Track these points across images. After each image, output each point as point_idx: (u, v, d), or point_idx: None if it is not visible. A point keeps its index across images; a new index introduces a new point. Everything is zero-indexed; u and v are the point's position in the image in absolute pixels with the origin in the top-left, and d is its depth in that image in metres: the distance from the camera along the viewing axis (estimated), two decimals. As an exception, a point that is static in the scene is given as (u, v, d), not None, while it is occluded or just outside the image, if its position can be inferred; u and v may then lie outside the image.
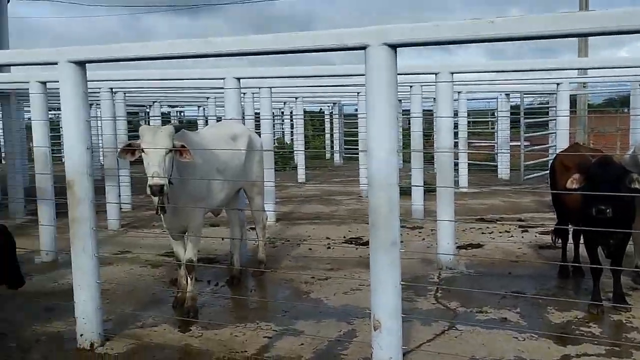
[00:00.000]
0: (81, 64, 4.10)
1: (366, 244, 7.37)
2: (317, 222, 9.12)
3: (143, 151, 4.37)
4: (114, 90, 8.76)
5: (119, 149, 4.71)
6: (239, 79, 6.44)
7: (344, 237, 7.86)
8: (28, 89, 6.83)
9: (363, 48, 3.30)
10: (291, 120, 19.89)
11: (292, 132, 20.28)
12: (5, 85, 8.88)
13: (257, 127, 9.07)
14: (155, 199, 4.48)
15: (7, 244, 4.17)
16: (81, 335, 4.24)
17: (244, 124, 6.75)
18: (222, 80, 6.43)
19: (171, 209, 4.68)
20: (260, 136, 6.89)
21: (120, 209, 9.24)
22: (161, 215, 4.76)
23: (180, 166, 4.59)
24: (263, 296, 5.62)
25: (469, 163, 13.10)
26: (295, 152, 15.85)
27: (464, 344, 4.20)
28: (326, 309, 5.05)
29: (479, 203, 10.61)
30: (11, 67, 7.59)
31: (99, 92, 8.68)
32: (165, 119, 17.50)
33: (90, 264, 4.20)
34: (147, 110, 15.27)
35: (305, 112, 20.04)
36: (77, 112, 4.11)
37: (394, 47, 3.28)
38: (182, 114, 22.06)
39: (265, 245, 6.26)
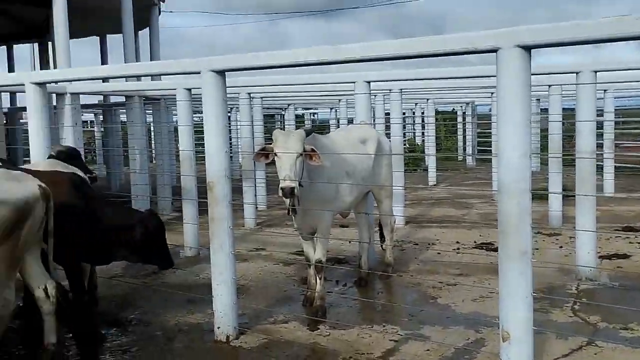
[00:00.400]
0: (221, 73, 4.37)
1: (497, 249, 7.16)
2: (446, 225, 8.96)
3: (276, 155, 4.56)
4: (251, 95, 9.20)
5: (254, 153, 4.94)
6: (369, 82, 6.50)
7: (475, 242, 7.65)
8: (175, 95, 7.42)
9: (494, 51, 3.20)
10: (422, 121, 19.65)
11: (423, 133, 20.05)
12: (156, 91, 9.66)
13: (388, 128, 9.09)
14: (287, 201, 4.65)
15: (159, 227, 4.53)
16: (218, 327, 4.52)
17: (374, 126, 6.80)
18: (353, 84, 6.54)
19: (301, 210, 4.84)
20: (389, 138, 6.88)
21: (256, 208, 9.68)
22: (292, 216, 4.95)
23: (310, 169, 4.73)
24: (390, 299, 5.64)
25: (616, 166, 12.16)
26: (426, 154, 15.63)
27: (603, 362, 3.95)
28: (454, 315, 4.97)
29: (626, 210, 9.81)
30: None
31: (237, 97, 9.18)
32: (299, 121, 18.07)
33: (227, 260, 4.46)
34: (283, 113, 15.83)
35: (437, 112, 19.74)
36: (217, 118, 4.39)
37: (527, 48, 3.15)
38: (315, 116, 22.61)
39: (393, 248, 6.27)
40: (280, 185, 4.49)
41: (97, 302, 5.21)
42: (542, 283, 5.77)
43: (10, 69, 17.59)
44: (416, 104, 18.34)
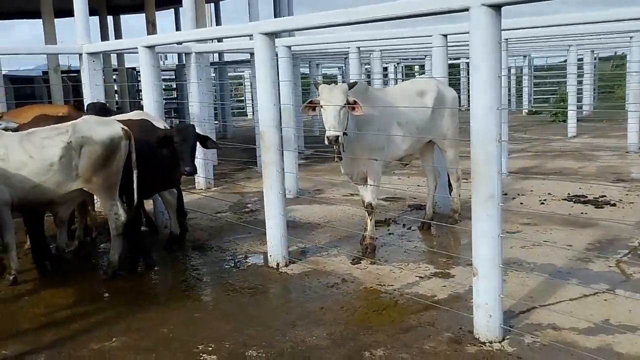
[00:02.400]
0: (270, 35, 5.00)
1: (588, 202, 7.06)
2: (552, 177, 8.79)
3: (321, 107, 5.09)
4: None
5: (303, 106, 5.34)
6: (445, 35, 6.67)
7: (568, 194, 7.54)
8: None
9: (466, 9, 3.46)
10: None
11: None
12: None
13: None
14: (334, 148, 5.16)
15: (194, 135, 5.48)
16: (270, 256, 5.30)
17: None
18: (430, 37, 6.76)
19: (348, 157, 5.33)
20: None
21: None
22: (339, 162, 5.45)
23: (358, 119, 5.18)
24: (441, 243, 5.99)
25: None
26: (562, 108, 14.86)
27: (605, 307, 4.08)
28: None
29: None
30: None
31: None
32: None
33: (276, 199, 5.19)
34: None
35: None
36: (266, 76, 5.07)
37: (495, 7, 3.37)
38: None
39: (459, 196, 6.53)
40: (325, 134, 5.01)
41: (186, 229, 6.28)
42: (608, 235, 5.76)
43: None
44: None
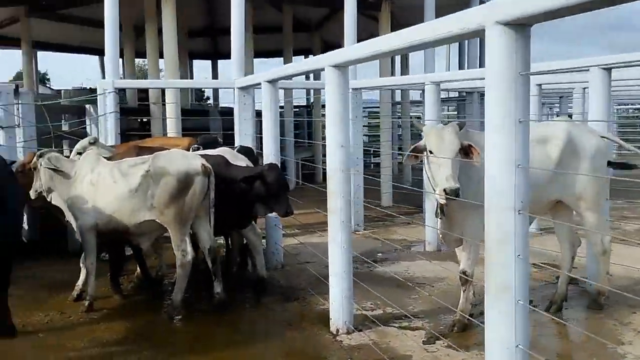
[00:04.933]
0: (340, 67, 4.40)
1: None
2: None
3: (430, 152, 4.20)
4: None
5: (406, 155, 4.48)
6: (608, 69, 5.28)
7: None
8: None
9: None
10: None
11: None
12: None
13: None
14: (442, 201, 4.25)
15: (276, 176, 5.16)
16: (331, 319, 4.59)
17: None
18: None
19: (449, 213, 4.42)
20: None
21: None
22: (440, 218, 4.54)
23: (462, 168, 4.22)
24: (561, 333, 4.61)
25: None
26: None
27: None
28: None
29: None
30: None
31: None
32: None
33: (339, 253, 4.49)
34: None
35: None
36: (336, 112, 4.45)
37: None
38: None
39: (606, 275, 5.01)
40: (442, 187, 4.01)
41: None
42: None
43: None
44: None
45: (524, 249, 2.46)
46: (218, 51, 19.61)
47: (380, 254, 7.19)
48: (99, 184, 5.03)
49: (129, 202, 4.93)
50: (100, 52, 13.61)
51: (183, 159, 5.01)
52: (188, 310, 5.10)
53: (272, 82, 6.39)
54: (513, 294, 2.45)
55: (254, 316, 5.12)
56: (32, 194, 5.32)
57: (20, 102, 7.63)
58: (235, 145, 6.64)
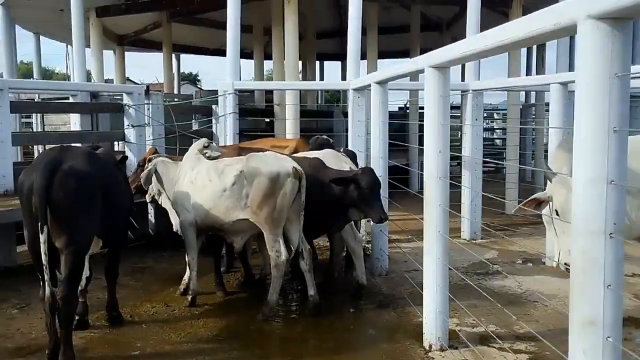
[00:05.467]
0: (440, 68, 4.14)
1: None
2: None
3: (556, 211, 3.77)
4: None
5: (518, 206, 4.04)
6: None
7: None
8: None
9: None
10: None
11: None
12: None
13: None
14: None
15: (376, 182, 5.02)
16: (423, 334, 4.34)
17: None
18: None
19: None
20: None
21: None
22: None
23: None
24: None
25: None
26: None
27: None
28: None
29: None
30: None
31: None
32: None
33: (434, 266, 4.22)
34: None
35: None
36: (434, 116, 4.19)
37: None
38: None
39: None
40: (565, 261, 3.65)
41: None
42: None
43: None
44: None
45: (617, 278, 2.11)
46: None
47: (494, 266, 6.74)
48: (197, 182, 5.18)
49: (224, 200, 5.03)
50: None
51: (275, 161, 5.02)
52: (284, 311, 5.09)
53: (381, 83, 6.22)
54: (601, 330, 2.10)
55: (347, 323, 4.98)
56: (148, 198, 5.67)
57: (150, 102, 8.14)
58: (340, 147, 6.55)
